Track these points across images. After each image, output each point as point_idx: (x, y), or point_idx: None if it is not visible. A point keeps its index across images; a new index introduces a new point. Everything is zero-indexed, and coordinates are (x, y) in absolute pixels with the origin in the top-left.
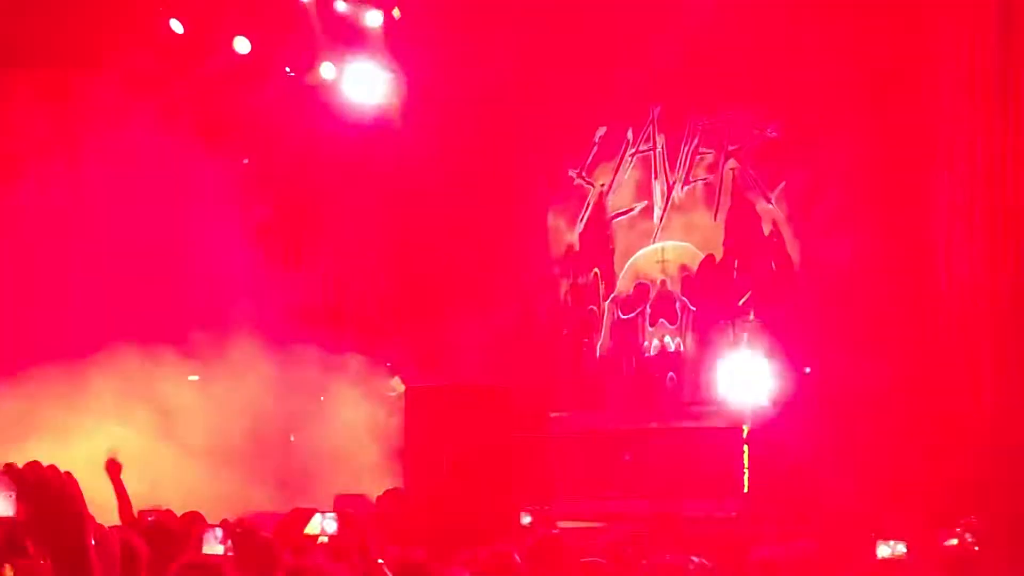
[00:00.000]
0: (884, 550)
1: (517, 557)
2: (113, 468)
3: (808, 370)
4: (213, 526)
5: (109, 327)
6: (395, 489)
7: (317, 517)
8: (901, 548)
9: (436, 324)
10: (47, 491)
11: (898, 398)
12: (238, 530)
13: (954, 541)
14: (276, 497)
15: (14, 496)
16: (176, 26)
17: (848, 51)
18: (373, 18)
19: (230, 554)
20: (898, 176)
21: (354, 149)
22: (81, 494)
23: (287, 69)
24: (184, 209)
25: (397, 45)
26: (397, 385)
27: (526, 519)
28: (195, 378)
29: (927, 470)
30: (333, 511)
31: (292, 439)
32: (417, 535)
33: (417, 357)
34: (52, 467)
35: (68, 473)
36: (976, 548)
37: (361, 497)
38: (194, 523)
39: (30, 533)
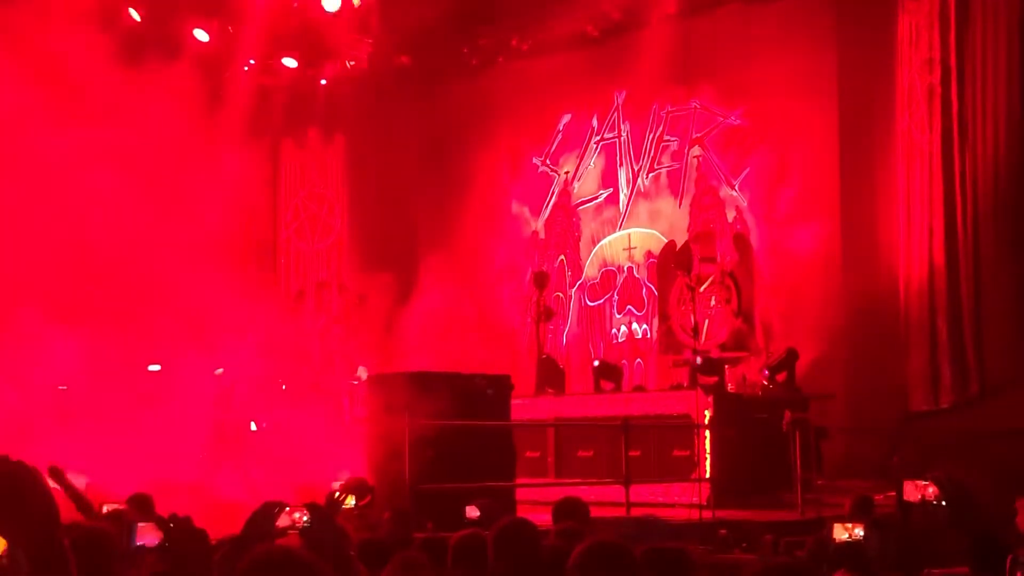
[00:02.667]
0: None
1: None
2: (57, 473)
3: (766, 372)
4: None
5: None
6: (359, 477)
7: (287, 510)
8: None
9: (401, 311)
10: (15, 485)
11: (855, 385)
12: (170, 523)
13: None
14: (240, 487)
15: None
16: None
17: (811, 38)
18: (331, 3)
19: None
20: (861, 164)
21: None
22: (48, 488)
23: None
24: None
25: (358, 32)
26: (362, 373)
27: (473, 512)
28: (156, 368)
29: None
30: (301, 503)
31: (253, 427)
32: (382, 521)
33: (382, 344)
34: (20, 462)
35: (36, 468)
36: (943, 503)
37: (327, 487)
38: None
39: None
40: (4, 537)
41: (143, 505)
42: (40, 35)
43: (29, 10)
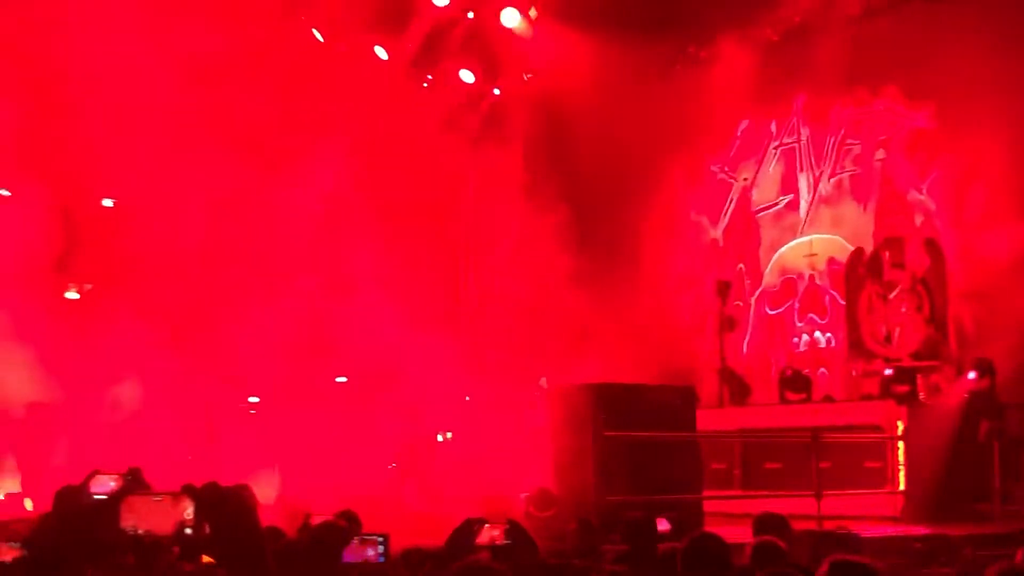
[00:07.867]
0: None
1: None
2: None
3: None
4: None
5: None
6: (544, 488)
7: (487, 527)
8: None
9: (581, 321)
10: (225, 508)
11: None
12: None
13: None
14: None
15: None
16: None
17: (1000, 35)
18: (510, 17)
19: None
20: None
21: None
22: (256, 505)
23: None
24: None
25: (537, 43)
26: (543, 383)
27: (664, 525)
28: (343, 380)
29: None
30: (493, 516)
31: (440, 439)
32: (568, 532)
33: (562, 355)
34: (229, 486)
35: (245, 486)
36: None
37: (513, 496)
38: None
39: (211, 549)
40: (217, 559)
41: (352, 521)
42: None
43: None
